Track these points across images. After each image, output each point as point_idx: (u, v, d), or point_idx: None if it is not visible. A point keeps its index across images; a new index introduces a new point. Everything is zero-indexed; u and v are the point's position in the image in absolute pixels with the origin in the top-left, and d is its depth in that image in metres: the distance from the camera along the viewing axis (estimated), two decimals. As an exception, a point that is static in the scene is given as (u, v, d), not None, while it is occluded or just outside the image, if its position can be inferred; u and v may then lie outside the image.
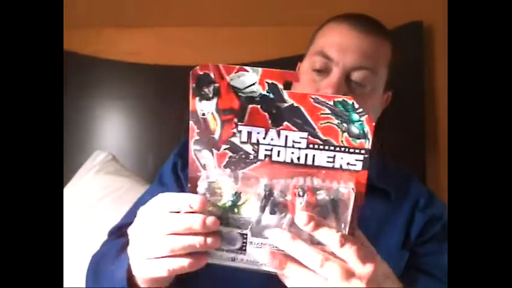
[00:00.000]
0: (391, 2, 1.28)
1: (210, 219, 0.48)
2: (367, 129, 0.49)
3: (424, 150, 1.27)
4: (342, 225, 0.49)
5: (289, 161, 0.50)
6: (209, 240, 0.49)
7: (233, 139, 0.50)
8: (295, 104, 0.48)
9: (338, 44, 0.74)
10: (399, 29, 1.25)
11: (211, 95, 0.49)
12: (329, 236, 0.48)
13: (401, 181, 0.80)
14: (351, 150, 0.49)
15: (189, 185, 0.51)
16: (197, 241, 0.49)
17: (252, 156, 0.50)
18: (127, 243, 0.68)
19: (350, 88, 0.73)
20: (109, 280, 0.63)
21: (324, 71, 0.74)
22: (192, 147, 0.51)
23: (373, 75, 0.74)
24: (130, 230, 0.54)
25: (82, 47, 1.43)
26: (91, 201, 1.20)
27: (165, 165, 0.84)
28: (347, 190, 0.49)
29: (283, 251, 0.50)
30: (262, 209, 0.50)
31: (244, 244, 0.51)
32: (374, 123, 0.49)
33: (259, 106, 0.49)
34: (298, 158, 0.49)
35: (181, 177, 0.80)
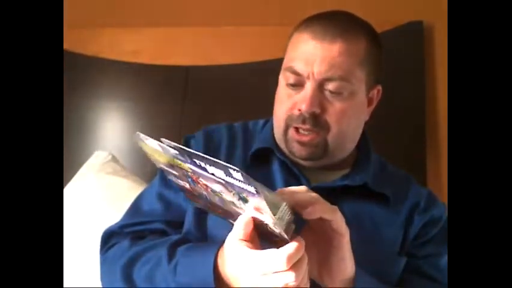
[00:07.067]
0: (391, 1, 1.28)
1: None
2: None
3: (425, 150, 1.27)
4: None
5: None
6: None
7: None
8: None
9: (304, 57, 0.73)
10: (399, 29, 1.25)
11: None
12: None
13: (399, 185, 0.80)
14: None
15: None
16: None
17: None
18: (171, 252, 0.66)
19: (325, 97, 0.73)
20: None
21: (298, 85, 0.74)
22: None
23: (347, 82, 0.72)
24: None
25: (82, 47, 1.43)
26: (91, 201, 1.20)
27: None
28: None
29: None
30: None
31: None
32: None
33: None
34: None
35: None
